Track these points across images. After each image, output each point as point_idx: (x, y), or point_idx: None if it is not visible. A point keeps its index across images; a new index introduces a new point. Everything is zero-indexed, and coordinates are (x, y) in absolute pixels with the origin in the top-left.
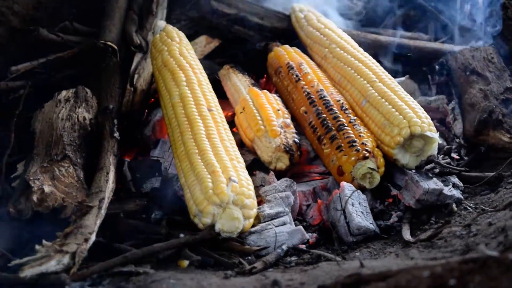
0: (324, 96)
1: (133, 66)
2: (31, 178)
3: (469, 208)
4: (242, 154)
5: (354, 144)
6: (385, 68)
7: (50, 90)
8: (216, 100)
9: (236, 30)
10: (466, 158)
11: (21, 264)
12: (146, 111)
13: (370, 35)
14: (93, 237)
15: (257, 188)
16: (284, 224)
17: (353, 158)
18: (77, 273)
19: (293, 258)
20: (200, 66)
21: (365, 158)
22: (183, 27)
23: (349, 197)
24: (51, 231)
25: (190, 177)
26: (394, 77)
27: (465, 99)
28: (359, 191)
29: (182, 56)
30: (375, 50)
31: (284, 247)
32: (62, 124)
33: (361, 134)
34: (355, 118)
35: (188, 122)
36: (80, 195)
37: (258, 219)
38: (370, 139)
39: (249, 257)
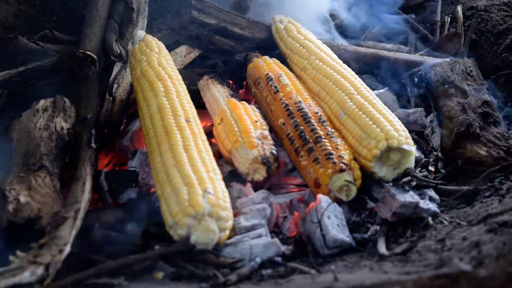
0: (302, 108)
1: (112, 76)
2: (7, 188)
3: (444, 221)
4: (219, 165)
5: (331, 156)
6: (363, 80)
7: (28, 99)
8: (194, 111)
9: (216, 40)
10: (443, 171)
11: None
12: (125, 121)
13: (350, 46)
14: (67, 248)
15: (233, 199)
16: (259, 236)
17: (330, 171)
18: (51, 284)
19: (268, 271)
20: (179, 77)
21: (341, 170)
22: (164, 37)
23: (325, 209)
24: (26, 242)
25: (166, 189)
26: (373, 89)
27: (443, 112)
28: (335, 203)
29: (161, 67)
30: (355, 62)
31: (258, 259)
32: (39, 134)
33: (338, 147)
34: (333, 130)
35: (165, 133)
36: (56, 206)
37: (234, 231)
38: (347, 151)
39: (224, 270)
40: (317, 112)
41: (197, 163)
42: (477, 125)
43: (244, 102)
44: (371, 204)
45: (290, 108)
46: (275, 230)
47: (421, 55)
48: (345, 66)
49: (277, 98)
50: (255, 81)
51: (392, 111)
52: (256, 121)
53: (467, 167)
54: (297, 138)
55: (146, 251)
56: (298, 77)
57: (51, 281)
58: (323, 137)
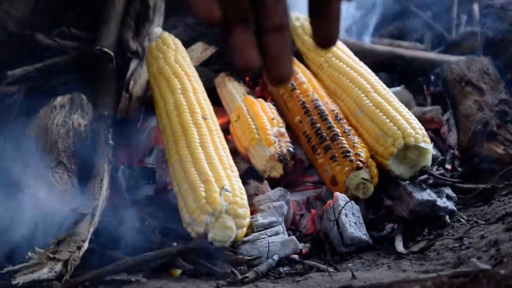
0: (319, 106)
1: (129, 73)
2: (26, 184)
3: (462, 220)
4: (236, 162)
5: (348, 154)
6: (380, 78)
7: (46, 95)
8: (211, 108)
9: None
10: (460, 169)
11: (14, 271)
12: (141, 118)
13: (366, 44)
14: (86, 245)
15: (250, 197)
16: (277, 234)
17: (346, 168)
18: (70, 280)
19: (285, 269)
20: (196, 74)
21: (358, 168)
22: (180, 34)
23: (343, 207)
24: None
25: (183, 186)
26: (390, 87)
27: (460, 110)
28: (352, 201)
29: (177, 64)
30: (371, 60)
31: (276, 257)
32: (57, 130)
33: (355, 145)
34: (350, 128)
35: (182, 131)
36: (74, 202)
37: (251, 229)
38: (364, 149)
39: (242, 267)
40: (334, 110)
41: (214, 160)
42: (494, 123)
43: (260, 99)
44: (388, 202)
45: (307, 105)
46: (292, 227)
47: (437, 53)
48: (362, 63)
49: (293, 95)
50: None
51: (409, 109)
52: (273, 119)
53: (484, 165)
54: (314, 136)
55: (164, 248)
56: (315, 74)
57: (69, 277)
58: (340, 134)
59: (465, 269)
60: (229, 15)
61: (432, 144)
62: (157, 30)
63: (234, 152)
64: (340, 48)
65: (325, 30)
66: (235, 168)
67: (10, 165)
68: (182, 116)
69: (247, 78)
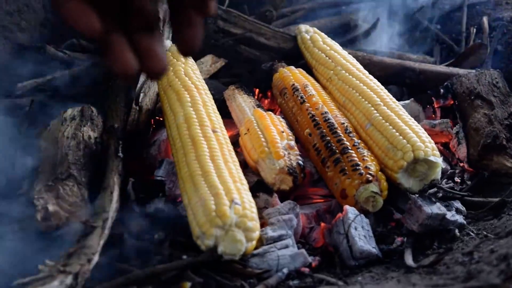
0: (329, 119)
1: (138, 85)
2: (36, 196)
3: (471, 234)
4: (245, 175)
5: (357, 167)
6: (389, 90)
7: (56, 108)
8: (220, 121)
9: (242, 50)
10: (469, 182)
11: (24, 284)
12: (151, 130)
13: (376, 57)
14: (96, 258)
15: (260, 210)
16: (286, 247)
17: (356, 182)
18: None
19: (295, 282)
20: (205, 87)
21: (368, 181)
22: None
23: (352, 221)
24: (54, 250)
25: (193, 199)
26: (399, 100)
27: (469, 124)
28: (362, 215)
29: (187, 77)
30: (380, 72)
31: (285, 270)
32: (67, 143)
33: (365, 158)
34: (359, 141)
35: (192, 143)
36: (84, 215)
37: (260, 242)
38: (374, 162)
39: (251, 280)
40: (343, 123)
41: (224, 173)
42: (504, 137)
43: (270, 112)
44: (397, 215)
45: (317, 118)
46: (301, 240)
47: (446, 65)
48: (371, 76)
49: (303, 108)
50: (281, 91)
51: (418, 122)
52: (283, 132)
53: (493, 179)
54: (323, 149)
55: (174, 261)
56: (324, 87)
57: None
58: (350, 148)
59: (475, 284)
60: (106, 25)
61: (442, 157)
62: (167, 43)
63: (244, 165)
64: (349, 61)
65: (185, 38)
66: (244, 181)
67: (21, 177)
68: (192, 129)
69: (256, 91)
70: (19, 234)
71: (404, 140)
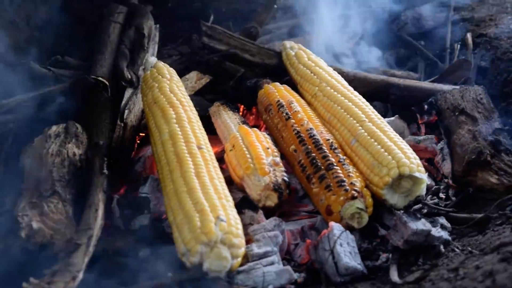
0: (314, 135)
1: (123, 102)
2: (19, 213)
3: (456, 250)
4: (231, 192)
5: (343, 184)
6: (374, 107)
7: (40, 124)
8: (206, 137)
9: (227, 66)
10: (454, 198)
11: None
12: (136, 147)
13: (360, 73)
14: (81, 275)
15: (245, 226)
16: (272, 263)
17: (341, 198)
18: None
19: None
20: (191, 103)
21: (353, 198)
22: (174, 62)
23: (338, 237)
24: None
25: (178, 216)
26: (384, 116)
27: (454, 139)
28: (347, 231)
29: (172, 93)
30: (365, 89)
31: (271, 287)
32: (51, 160)
33: (350, 174)
34: (345, 157)
35: (177, 160)
36: (68, 232)
37: (246, 258)
38: (359, 179)
39: None
40: (328, 139)
41: (210, 190)
42: (488, 152)
43: (255, 128)
44: (382, 231)
45: (302, 135)
46: (286, 257)
47: (431, 82)
48: (356, 93)
49: (288, 125)
50: (266, 108)
51: (403, 138)
52: (268, 148)
53: (478, 194)
54: (308, 165)
55: (159, 278)
56: (309, 104)
57: None
58: (335, 164)
59: None
60: None
61: (427, 173)
62: (151, 59)
63: (229, 181)
64: (335, 78)
65: None
66: (230, 198)
67: (4, 195)
68: (177, 146)
69: (241, 107)
70: (2, 251)
71: (389, 157)
